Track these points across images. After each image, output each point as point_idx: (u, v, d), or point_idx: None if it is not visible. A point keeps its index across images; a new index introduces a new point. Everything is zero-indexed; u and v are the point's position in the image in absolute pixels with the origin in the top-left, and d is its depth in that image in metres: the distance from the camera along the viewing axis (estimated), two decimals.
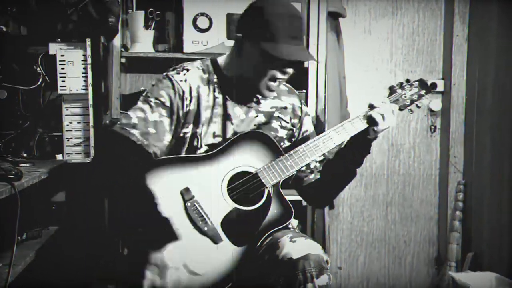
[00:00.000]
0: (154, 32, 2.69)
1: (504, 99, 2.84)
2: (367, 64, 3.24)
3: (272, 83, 1.75)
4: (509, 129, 2.79)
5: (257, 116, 1.86)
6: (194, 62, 1.86)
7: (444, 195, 3.26)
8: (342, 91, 2.93)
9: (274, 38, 1.66)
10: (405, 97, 1.85)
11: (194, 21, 2.59)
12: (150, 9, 2.66)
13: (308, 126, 1.97)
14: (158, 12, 2.68)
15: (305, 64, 2.67)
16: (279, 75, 1.73)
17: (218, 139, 1.79)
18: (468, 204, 3.16)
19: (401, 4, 3.24)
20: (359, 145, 1.82)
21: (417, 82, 1.88)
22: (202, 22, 2.58)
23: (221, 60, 1.87)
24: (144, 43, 2.65)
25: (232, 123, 1.81)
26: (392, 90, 1.86)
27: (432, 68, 3.28)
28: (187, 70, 1.81)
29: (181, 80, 1.77)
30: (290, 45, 1.67)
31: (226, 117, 1.80)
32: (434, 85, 3.16)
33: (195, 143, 1.77)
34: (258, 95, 1.85)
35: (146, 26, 2.65)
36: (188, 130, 1.77)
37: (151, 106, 1.74)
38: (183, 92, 1.76)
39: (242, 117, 1.83)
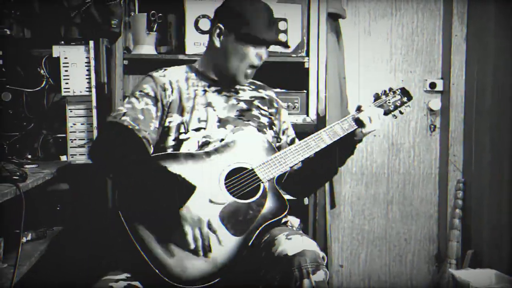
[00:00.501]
0: (157, 34, 2.70)
1: (503, 99, 2.86)
2: (367, 64, 3.26)
3: (248, 71, 1.89)
4: (508, 128, 2.81)
5: (238, 103, 1.96)
6: (172, 66, 2.01)
7: (444, 193, 3.28)
8: (342, 91, 2.95)
9: (252, 25, 1.83)
10: (389, 103, 1.99)
11: (196, 22, 2.60)
12: (153, 12, 2.67)
13: (285, 117, 2.08)
14: (160, 14, 2.69)
15: (306, 65, 2.70)
16: (254, 61, 1.87)
17: (203, 124, 1.88)
18: (468, 202, 3.17)
19: (400, 5, 3.25)
20: (346, 146, 1.92)
21: (399, 90, 2.02)
22: (204, 24, 2.60)
23: (196, 63, 2.02)
24: (146, 45, 2.67)
25: (214, 110, 1.91)
26: (377, 96, 2.00)
27: (431, 68, 3.30)
28: (166, 69, 1.96)
29: (161, 76, 1.93)
30: (266, 31, 1.86)
31: (208, 104, 1.91)
32: (433, 85, 3.27)
33: (182, 130, 1.86)
34: (235, 84, 1.98)
35: (149, 28, 2.65)
36: (173, 119, 1.87)
37: (137, 98, 1.87)
38: (164, 84, 1.90)
39: (224, 105, 1.94)
